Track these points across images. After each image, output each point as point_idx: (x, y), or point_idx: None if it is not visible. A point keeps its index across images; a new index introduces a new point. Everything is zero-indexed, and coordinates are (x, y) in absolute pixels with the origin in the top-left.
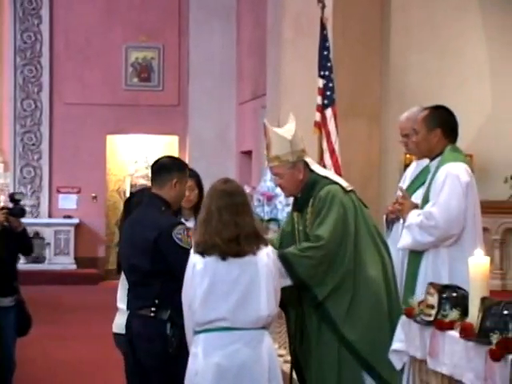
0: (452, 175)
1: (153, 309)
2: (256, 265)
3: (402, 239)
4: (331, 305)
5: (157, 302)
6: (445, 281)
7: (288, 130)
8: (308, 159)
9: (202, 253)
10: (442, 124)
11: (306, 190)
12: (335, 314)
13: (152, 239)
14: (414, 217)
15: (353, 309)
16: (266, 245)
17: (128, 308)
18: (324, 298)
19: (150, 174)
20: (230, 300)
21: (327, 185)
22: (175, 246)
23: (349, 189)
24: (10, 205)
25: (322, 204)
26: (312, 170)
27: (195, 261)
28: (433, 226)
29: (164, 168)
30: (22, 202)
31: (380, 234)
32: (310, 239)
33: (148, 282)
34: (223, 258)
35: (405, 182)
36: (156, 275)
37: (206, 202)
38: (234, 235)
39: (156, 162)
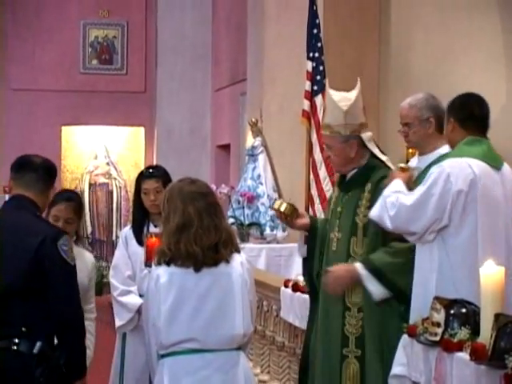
0: (441, 171)
1: (16, 340)
2: (229, 275)
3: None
4: None
5: (24, 330)
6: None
7: (347, 99)
8: (365, 135)
9: (169, 263)
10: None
11: (363, 172)
12: None
13: (34, 246)
14: (397, 186)
15: None
16: (239, 251)
17: None
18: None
19: (111, 172)
20: (199, 317)
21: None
22: (59, 259)
23: None
24: None
25: None
26: (367, 148)
27: (158, 273)
28: (394, 214)
29: (29, 166)
30: None
31: None
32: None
33: (14, 303)
34: (197, 269)
35: None
36: (28, 294)
37: (178, 207)
38: (214, 241)
39: (20, 159)
